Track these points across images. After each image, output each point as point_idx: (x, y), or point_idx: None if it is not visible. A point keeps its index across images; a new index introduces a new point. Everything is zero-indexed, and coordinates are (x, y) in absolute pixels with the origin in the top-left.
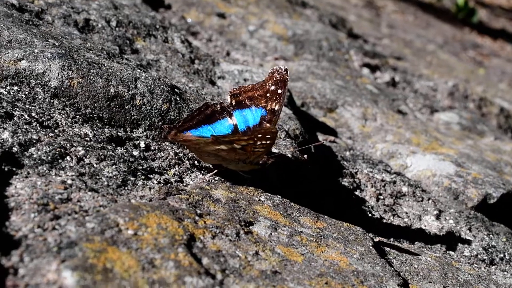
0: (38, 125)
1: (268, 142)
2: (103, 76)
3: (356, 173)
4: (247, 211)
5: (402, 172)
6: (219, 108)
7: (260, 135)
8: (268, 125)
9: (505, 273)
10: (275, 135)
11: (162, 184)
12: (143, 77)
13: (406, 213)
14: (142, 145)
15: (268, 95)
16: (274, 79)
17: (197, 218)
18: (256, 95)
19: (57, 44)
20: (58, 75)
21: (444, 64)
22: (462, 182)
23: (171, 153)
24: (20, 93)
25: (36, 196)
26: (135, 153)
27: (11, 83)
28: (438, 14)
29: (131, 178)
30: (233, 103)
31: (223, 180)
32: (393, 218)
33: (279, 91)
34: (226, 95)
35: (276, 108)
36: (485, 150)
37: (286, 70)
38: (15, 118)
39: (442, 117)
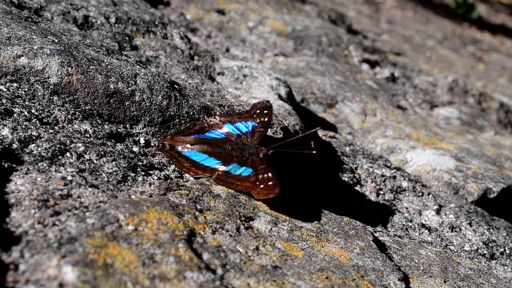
0: (37, 121)
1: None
2: (102, 73)
3: (356, 168)
4: (247, 206)
5: (402, 167)
6: (206, 125)
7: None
8: (261, 129)
9: (506, 267)
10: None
11: (162, 180)
12: (142, 73)
13: (406, 208)
14: (142, 141)
15: (255, 116)
16: (258, 107)
17: (197, 213)
18: (243, 117)
19: (56, 40)
20: (58, 71)
21: (443, 59)
22: (462, 177)
23: None
24: (20, 89)
25: (36, 192)
26: (135, 149)
27: (11, 79)
28: (437, 9)
29: (131, 174)
30: (223, 120)
31: None
32: (393, 213)
33: (265, 111)
34: (215, 116)
35: (266, 120)
36: (485, 145)
37: (268, 101)
38: (14, 114)
39: (442, 112)
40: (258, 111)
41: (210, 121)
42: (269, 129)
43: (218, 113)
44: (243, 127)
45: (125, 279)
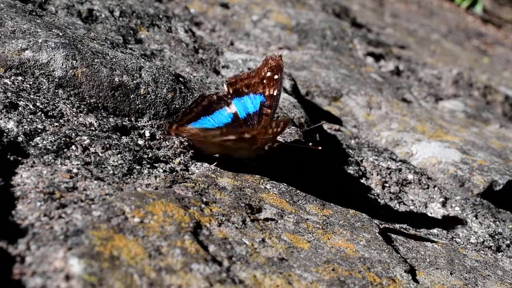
0: (43, 115)
1: (279, 129)
2: (107, 66)
3: (361, 161)
4: (253, 198)
5: (408, 159)
6: (215, 98)
7: (274, 126)
8: (269, 110)
9: None
10: (287, 124)
11: (167, 173)
12: (147, 66)
13: (412, 200)
14: (147, 134)
15: (264, 81)
16: (269, 65)
17: (203, 206)
18: (252, 82)
19: (61, 34)
20: (62, 64)
21: (448, 53)
22: (468, 169)
23: (176, 142)
24: (25, 83)
25: (42, 185)
26: (140, 142)
27: (16, 73)
28: (441, 3)
29: (137, 167)
30: (230, 91)
31: (228, 168)
32: (399, 205)
33: (276, 76)
34: (223, 84)
35: (274, 94)
36: (490, 138)
37: (280, 56)
38: (20, 108)
39: (447, 105)
40: (268, 73)
41: (219, 92)
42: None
43: (226, 80)
44: (250, 104)
45: (131, 271)
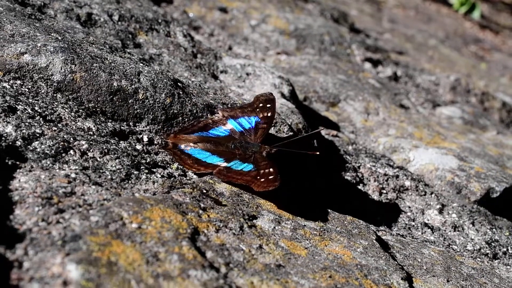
0: (41, 119)
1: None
2: (106, 70)
3: (358, 167)
4: (251, 204)
5: (405, 166)
6: (210, 122)
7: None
8: (265, 125)
9: (508, 267)
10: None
11: (165, 178)
12: (146, 71)
13: (409, 207)
14: (145, 139)
15: (258, 110)
16: (260, 100)
17: (200, 211)
18: (246, 110)
19: (59, 38)
20: (61, 69)
21: (445, 58)
22: (465, 176)
23: None
24: (23, 87)
25: (40, 190)
26: (138, 147)
27: (14, 77)
28: (439, 8)
29: (135, 172)
30: (225, 115)
31: None
32: (395, 212)
33: (268, 105)
34: (218, 111)
35: (269, 115)
36: (488, 144)
37: (271, 93)
38: (18, 112)
39: (444, 111)
40: (261, 105)
41: (214, 117)
42: (273, 127)
43: (220, 107)
44: (246, 123)
45: (129, 277)
